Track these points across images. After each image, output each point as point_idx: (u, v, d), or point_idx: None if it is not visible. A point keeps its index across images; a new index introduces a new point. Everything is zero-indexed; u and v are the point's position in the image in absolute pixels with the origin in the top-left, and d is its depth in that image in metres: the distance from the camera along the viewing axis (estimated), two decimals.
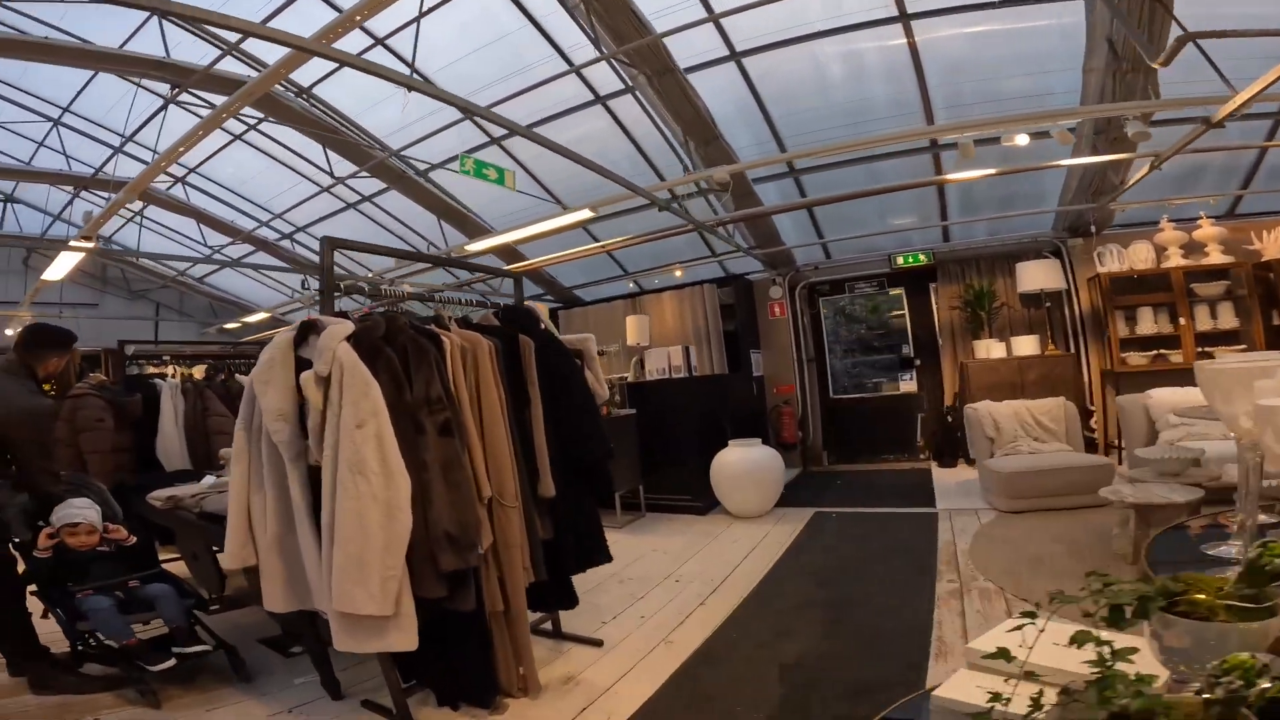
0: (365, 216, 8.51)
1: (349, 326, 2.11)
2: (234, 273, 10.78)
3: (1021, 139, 4.23)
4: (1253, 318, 5.87)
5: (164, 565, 3.17)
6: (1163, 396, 5.12)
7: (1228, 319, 6.01)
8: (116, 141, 7.20)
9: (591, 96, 5.95)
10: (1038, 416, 5.24)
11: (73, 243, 5.90)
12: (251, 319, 10.53)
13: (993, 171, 5.04)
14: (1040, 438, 5.18)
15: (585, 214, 5.92)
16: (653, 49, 4.94)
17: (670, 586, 3.83)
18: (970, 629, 2.97)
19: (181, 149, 4.85)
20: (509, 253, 7.94)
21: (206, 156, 7.73)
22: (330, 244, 2.41)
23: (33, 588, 2.82)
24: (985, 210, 6.66)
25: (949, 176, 5.24)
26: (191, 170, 8.10)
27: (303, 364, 2.10)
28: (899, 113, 5.64)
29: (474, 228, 7.74)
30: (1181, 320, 5.97)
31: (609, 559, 2.90)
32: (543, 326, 2.90)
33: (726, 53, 5.43)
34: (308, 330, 2.14)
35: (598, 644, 2.99)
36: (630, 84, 5.48)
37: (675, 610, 3.41)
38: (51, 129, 7.47)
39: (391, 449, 1.96)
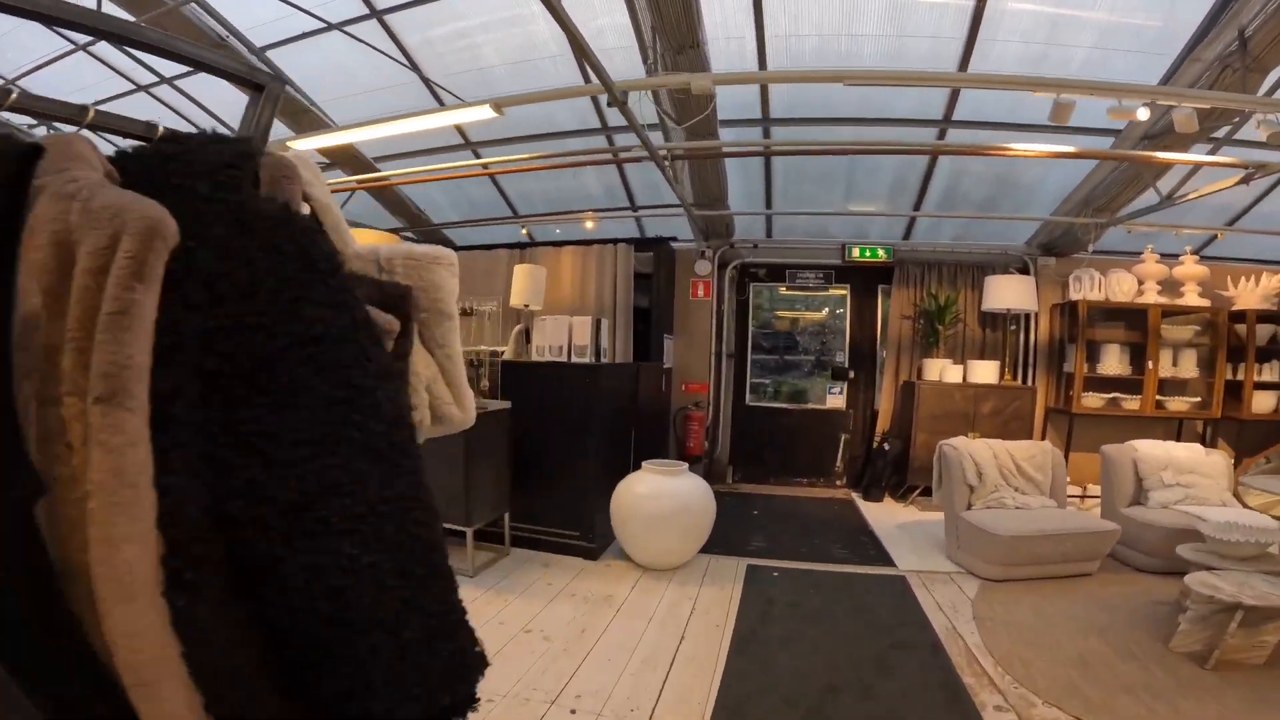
0: (160, 101, 5.86)
1: None
2: None
3: (1142, 113, 3.24)
4: (1216, 369, 5.39)
5: None
6: (1148, 450, 4.40)
7: (1188, 367, 5.49)
8: None
9: None
10: (1019, 462, 4.26)
11: None
12: None
13: (1071, 151, 3.99)
14: (1021, 488, 4.20)
15: (485, 112, 4.05)
16: None
17: None
18: None
19: None
20: (352, 160, 5.80)
21: None
22: None
23: None
24: (964, 208, 5.67)
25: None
26: None
27: None
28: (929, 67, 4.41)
29: (310, 122, 5.50)
30: (1149, 364, 5.34)
31: None
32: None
33: None
34: None
35: None
36: None
37: None
38: None
39: None
